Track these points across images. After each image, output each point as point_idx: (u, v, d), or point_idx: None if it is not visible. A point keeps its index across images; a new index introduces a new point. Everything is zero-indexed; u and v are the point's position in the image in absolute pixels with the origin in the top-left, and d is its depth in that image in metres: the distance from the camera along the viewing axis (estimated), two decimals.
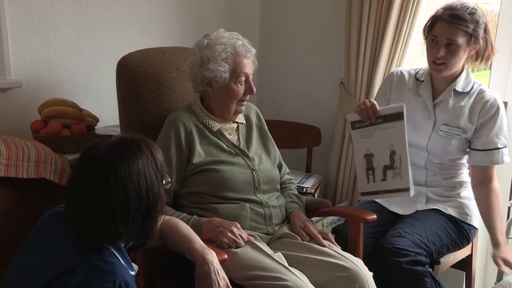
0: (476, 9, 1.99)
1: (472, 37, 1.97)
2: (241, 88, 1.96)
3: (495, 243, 2.06)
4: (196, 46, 1.98)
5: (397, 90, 2.20)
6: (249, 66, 1.96)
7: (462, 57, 2.01)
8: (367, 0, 2.54)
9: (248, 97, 2.01)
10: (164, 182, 1.37)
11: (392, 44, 2.57)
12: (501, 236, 2.06)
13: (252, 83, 1.99)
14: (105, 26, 2.58)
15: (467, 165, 2.18)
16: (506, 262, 2.01)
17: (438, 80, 2.10)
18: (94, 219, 1.26)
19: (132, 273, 1.39)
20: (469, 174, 2.19)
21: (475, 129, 2.07)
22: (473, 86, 2.09)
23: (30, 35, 2.34)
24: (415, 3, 2.45)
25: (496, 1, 2.95)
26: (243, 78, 1.95)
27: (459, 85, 2.08)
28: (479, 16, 1.98)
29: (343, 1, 2.72)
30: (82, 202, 1.27)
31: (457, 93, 2.08)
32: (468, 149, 2.12)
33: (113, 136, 1.37)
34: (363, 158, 2.05)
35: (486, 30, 2.01)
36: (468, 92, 2.08)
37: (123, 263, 1.33)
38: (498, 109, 2.04)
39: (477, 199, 2.12)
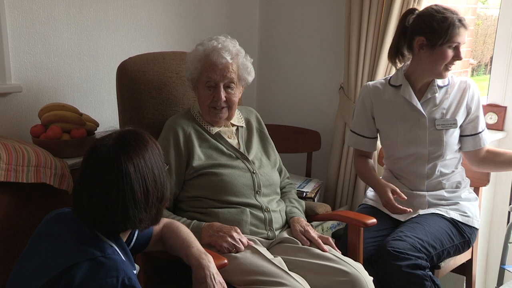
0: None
1: None
2: (207, 93, 1.90)
3: None
4: None
5: (378, 102, 2.21)
6: (219, 71, 1.87)
7: None
8: (367, 4, 2.54)
9: (220, 104, 1.89)
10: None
11: None
12: None
13: (221, 91, 1.86)
14: (105, 30, 2.58)
15: (461, 161, 2.22)
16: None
17: (417, 80, 2.14)
18: (119, 211, 1.31)
19: (134, 271, 1.40)
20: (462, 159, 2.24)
21: (467, 115, 2.15)
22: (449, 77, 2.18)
23: (30, 39, 2.34)
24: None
25: (495, 6, 2.96)
26: (211, 83, 1.89)
27: (439, 80, 2.14)
28: None
29: (342, 5, 2.73)
30: (104, 199, 1.30)
31: (439, 87, 2.15)
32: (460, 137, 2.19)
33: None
34: None
35: None
36: (448, 84, 2.16)
37: (125, 260, 1.35)
38: (478, 95, 2.15)
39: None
